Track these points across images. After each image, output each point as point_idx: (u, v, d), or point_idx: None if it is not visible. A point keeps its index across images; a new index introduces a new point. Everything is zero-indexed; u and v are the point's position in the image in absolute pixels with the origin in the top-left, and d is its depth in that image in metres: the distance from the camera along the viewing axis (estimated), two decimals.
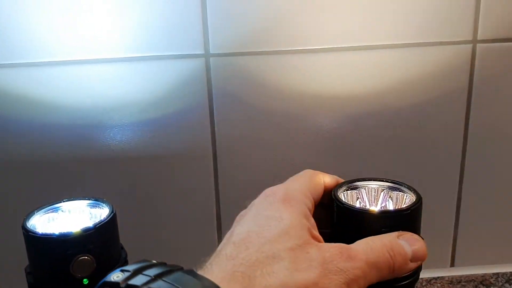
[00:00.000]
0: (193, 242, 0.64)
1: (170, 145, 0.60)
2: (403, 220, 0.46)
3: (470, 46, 0.58)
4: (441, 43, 0.58)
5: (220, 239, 0.63)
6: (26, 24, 0.55)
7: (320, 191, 0.45)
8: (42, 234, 0.45)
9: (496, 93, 0.61)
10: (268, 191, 0.42)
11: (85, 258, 0.45)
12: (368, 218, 0.46)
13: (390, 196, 0.51)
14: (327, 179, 0.47)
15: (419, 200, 0.47)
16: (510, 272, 0.66)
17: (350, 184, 0.51)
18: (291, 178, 0.45)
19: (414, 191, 0.48)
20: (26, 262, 0.48)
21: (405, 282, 0.48)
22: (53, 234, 0.45)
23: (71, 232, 0.44)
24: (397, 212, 0.47)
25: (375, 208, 0.50)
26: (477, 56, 0.59)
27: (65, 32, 0.55)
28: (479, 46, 0.59)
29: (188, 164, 0.61)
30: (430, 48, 0.58)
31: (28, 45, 0.55)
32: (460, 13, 0.58)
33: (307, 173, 0.45)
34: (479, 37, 0.59)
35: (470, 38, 0.58)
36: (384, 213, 0.47)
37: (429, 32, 0.58)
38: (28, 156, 0.59)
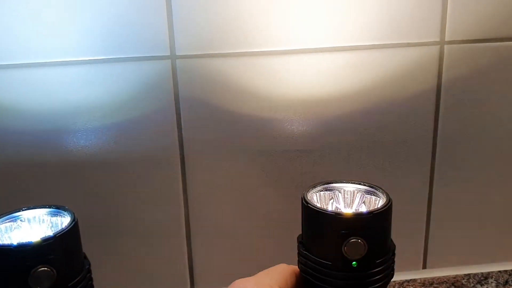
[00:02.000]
0: (161, 249, 0.62)
1: (135, 149, 0.58)
2: (361, 224, 0.45)
3: (437, 47, 0.58)
4: (408, 44, 0.58)
5: (189, 245, 0.62)
6: None
7: (292, 285, 0.45)
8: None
9: (463, 93, 0.61)
10: (239, 283, 0.42)
11: (44, 270, 0.42)
12: (327, 219, 0.46)
13: (364, 200, 0.50)
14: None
15: (385, 205, 0.47)
16: (481, 273, 0.66)
17: (326, 185, 0.51)
18: (263, 271, 0.46)
19: (387, 196, 0.48)
20: None
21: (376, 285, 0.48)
22: (11, 245, 0.42)
23: (30, 242, 0.42)
24: (354, 216, 0.46)
25: (344, 210, 0.50)
26: (445, 57, 0.59)
27: (24, 34, 0.53)
28: (446, 47, 0.59)
29: (155, 169, 0.59)
30: (398, 49, 0.58)
31: None
32: (427, 14, 0.58)
33: (279, 267, 0.46)
34: (446, 38, 0.59)
35: (437, 39, 0.58)
36: (339, 215, 0.46)
37: (397, 34, 0.58)
38: None
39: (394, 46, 0.58)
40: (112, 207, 0.59)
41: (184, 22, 0.55)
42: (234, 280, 0.43)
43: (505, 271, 0.67)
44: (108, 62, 0.55)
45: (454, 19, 0.58)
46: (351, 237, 0.45)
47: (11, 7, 0.52)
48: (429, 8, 0.57)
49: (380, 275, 0.47)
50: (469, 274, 0.66)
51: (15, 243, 0.42)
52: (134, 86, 0.56)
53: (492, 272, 0.67)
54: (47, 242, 0.42)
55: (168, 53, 0.55)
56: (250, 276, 0.44)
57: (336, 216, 0.46)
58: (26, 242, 0.42)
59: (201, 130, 0.58)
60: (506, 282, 0.65)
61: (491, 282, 0.65)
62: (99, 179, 0.58)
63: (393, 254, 0.49)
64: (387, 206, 0.47)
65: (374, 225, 0.46)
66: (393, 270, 0.49)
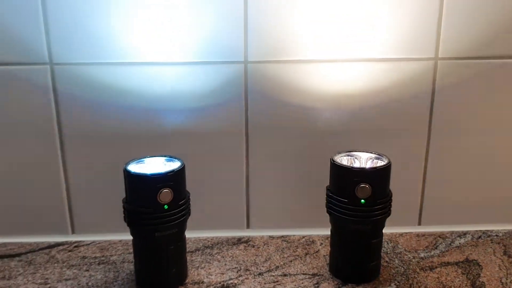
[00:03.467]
0: (225, 197, 0.88)
1: (213, 125, 0.83)
2: (367, 175, 0.70)
3: (432, 62, 0.82)
4: (408, 59, 0.82)
5: (247, 195, 0.86)
6: (115, 35, 0.79)
7: None
8: (138, 174, 0.68)
9: (454, 97, 0.84)
10: None
11: (167, 190, 0.68)
12: (346, 171, 0.70)
13: (373, 163, 0.74)
14: None
15: (385, 164, 0.71)
16: (462, 231, 0.89)
17: (348, 152, 0.75)
18: None
19: (388, 160, 0.72)
20: (122, 195, 0.71)
21: (374, 240, 0.72)
22: (147, 173, 0.68)
23: (160, 172, 0.68)
24: (362, 169, 0.72)
25: (352, 165, 0.74)
26: (438, 71, 0.82)
27: (142, 40, 0.79)
28: (440, 62, 0.82)
29: (226, 141, 0.84)
30: (398, 63, 0.82)
31: (116, 49, 0.79)
32: (424, 34, 0.81)
33: None
34: (440, 55, 0.82)
35: (432, 55, 0.82)
36: (353, 168, 0.71)
37: (398, 50, 0.81)
38: (115, 128, 0.83)
39: (396, 60, 0.82)
40: (191, 164, 0.85)
41: (256, 36, 0.80)
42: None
43: (481, 230, 0.90)
44: (200, 64, 0.81)
45: (447, 38, 0.81)
46: (361, 184, 0.70)
47: (137, 18, 0.79)
48: (426, 29, 0.80)
49: (380, 211, 0.72)
50: (452, 231, 0.90)
51: (148, 172, 0.68)
52: (217, 82, 0.81)
53: (470, 230, 0.90)
54: (170, 173, 0.68)
55: (242, 59, 0.81)
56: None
57: (351, 169, 0.71)
58: (157, 172, 0.68)
59: (262, 115, 0.83)
60: (479, 237, 0.88)
61: (468, 236, 0.88)
62: (183, 145, 0.84)
63: (390, 199, 0.73)
64: (386, 165, 0.71)
65: (376, 176, 0.71)
66: (390, 210, 0.73)
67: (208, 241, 0.87)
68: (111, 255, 0.83)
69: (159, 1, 0.77)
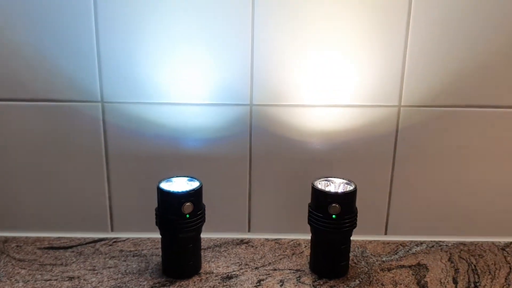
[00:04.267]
0: (228, 191, 1.12)
1: (220, 153, 1.07)
2: (337, 198, 0.93)
3: (396, 109, 1.05)
4: (376, 106, 1.05)
5: (250, 195, 1.10)
6: (152, 79, 1.03)
7: None
8: (168, 191, 0.92)
9: (415, 135, 1.06)
10: None
11: (189, 204, 0.92)
12: (322, 193, 0.94)
13: (344, 187, 0.98)
14: None
15: (352, 189, 0.94)
16: (419, 240, 1.12)
17: (326, 178, 0.99)
18: None
19: (355, 185, 0.95)
20: (152, 209, 0.95)
21: (344, 246, 0.96)
22: (174, 191, 0.92)
23: (184, 191, 0.92)
24: (334, 193, 0.94)
25: (328, 190, 0.97)
26: (401, 116, 1.05)
27: (169, 82, 1.03)
28: (402, 109, 1.05)
29: (231, 165, 1.08)
30: (367, 109, 1.05)
31: (151, 90, 1.03)
32: (388, 85, 1.03)
33: None
34: (402, 103, 1.05)
35: (396, 103, 1.05)
36: (328, 192, 0.94)
37: (366, 98, 1.04)
38: (149, 151, 1.07)
39: (365, 106, 1.05)
40: (206, 181, 1.08)
41: (260, 83, 1.03)
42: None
43: (434, 240, 1.12)
44: (211, 105, 1.04)
45: (408, 88, 1.04)
46: (332, 203, 0.93)
47: (172, 64, 1.03)
48: (389, 81, 1.03)
49: (348, 224, 0.95)
50: (412, 240, 1.13)
51: (174, 190, 0.92)
52: (227, 119, 1.05)
53: (426, 240, 1.12)
54: (191, 191, 0.92)
55: (248, 102, 1.04)
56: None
57: (326, 192, 0.94)
58: (181, 190, 0.92)
59: (263, 146, 1.07)
60: (432, 246, 1.11)
61: (423, 245, 1.11)
62: (201, 166, 1.08)
63: (356, 215, 0.96)
64: (352, 191, 0.94)
65: (344, 198, 0.94)
66: (355, 223, 0.96)
67: (217, 241, 1.11)
68: (143, 250, 1.07)
69: (182, 50, 1.00)
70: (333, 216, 0.93)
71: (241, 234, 1.13)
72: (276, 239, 1.12)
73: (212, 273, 0.99)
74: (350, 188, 0.96)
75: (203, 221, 0.96)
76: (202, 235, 0.98)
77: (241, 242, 1.11)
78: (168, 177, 0.96)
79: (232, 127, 1.05)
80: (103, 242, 1.09)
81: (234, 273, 0.99)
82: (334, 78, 1.02)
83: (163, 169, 1.06)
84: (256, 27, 0.99)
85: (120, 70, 1.01)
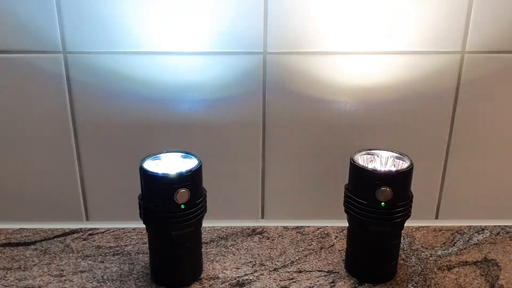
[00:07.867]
0: (242, 176, 0.87)
1: (229, 116, 0.81)
2: (392, 179, 0.68)
3: (459, 56, 0.79)
4: (436, 52, 0.78)
5: (263, 180, 0.85)
6: (129, 24, 0.76)
7: None
8: (155, 174, 0.67)
9: (479, 92, 0.81)
10: None
11: (183, 191, 0.67)
12: (366, 173, 0.68)
13: (394, 163, 0.72)
14: None
15: (408, 167, 0.69)
16: (480, 226, 0.88)
17: (369, 150, 0.73)
18: None
19: (410, 161, 0.70)
20: (138, 192, 0.70)
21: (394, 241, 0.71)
22: (167, 174, 0.66)
23: (180, 172, 0.66)
24: (385, 173, 0.69)
25: (374, 168, 0.71)
26: (465, 64, 0.79)
27: (157, 28, 0.76)
28: (466, 56, 0.79)
29: (243, 131, 0.82)
30: (427, 56, 0.79)
31: (129, 37, 0.77)
32: (452, 28, 0.77)
33: None
34: (467, 49, 0.79)
35: (459, 49, 0.78)
36: (375, 172, 0.68)
37: (427, 43, 0.78)
38: (128, 117, 0.81)
39: (424, 53, 0.79)
40: (206, 155, 0.83)
41: (274, 27, 0.77)
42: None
43: (499, 226, 0.88)
44: (216, 54, 0.78)
45: (475, 32, 0.78)
46: (382, 186, 0.68)
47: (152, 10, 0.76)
48: (454, 23, 0.77)
49: (401, 214, 0.70)
50: (470, 226, 0.88)
51: (169, 173, 0.66)
52: (234, 73, 0.79)
53: (488, 226, 0.88)
54: (187, 173, 0.67)
55: (261, 50, 0.78)
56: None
57: (372, 172, 0.69)
58: (174, 172, 0.66)
59: (279, 107, 0.81)
60: (498, 233, 0.87)
61: (486, 232, 0.87)
62: (198, 137, 0.82)
63: (411, 201, 0.71)
64: (408, 169, 0.69)
65: (398, 180, 0.69)
66: (410, 212, 0.72)
67: (223, 231, 0.87)
68: (126, 245, 0.83)
69: None
70: (382, 203, 0.68)
71: (253, 221, 0.90)
72: (297, 227, 0.88)
73: (217, 278, 0.75)
74: (404, 164, 0.70)
75: (204, 211, 0.72)
76: (203, 224, 0.74)
77: (253, 232, 0.86)
78: (154, 154, 0.71)
79: (239, 84, 0.80)
80: (75, 236, 0.85)
81: (246, 277, 0.75)
82: (372, 17, 0.76)
83: (148, 142, 0.82)
84: None
85: (87, 9, 0.76)
